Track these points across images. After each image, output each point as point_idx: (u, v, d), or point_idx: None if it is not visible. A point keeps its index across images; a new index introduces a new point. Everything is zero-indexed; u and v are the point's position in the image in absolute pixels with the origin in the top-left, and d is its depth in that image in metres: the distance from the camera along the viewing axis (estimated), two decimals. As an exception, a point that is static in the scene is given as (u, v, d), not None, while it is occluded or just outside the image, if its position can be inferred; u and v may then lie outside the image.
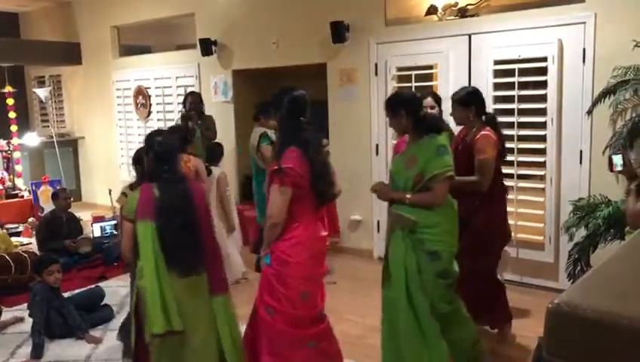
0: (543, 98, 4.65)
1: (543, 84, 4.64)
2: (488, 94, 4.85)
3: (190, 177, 3.82)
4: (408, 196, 3.00)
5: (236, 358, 2.95)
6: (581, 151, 4.56)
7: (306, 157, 2.83)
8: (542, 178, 4.77)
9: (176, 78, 7.56)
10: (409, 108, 3.07)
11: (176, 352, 2.83)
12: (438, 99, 4.20)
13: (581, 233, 4.10)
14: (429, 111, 4.08)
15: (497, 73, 4.88)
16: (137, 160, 3.39)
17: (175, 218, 2.79)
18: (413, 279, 2.98)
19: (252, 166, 5.66)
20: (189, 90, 6.83)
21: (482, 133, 3.49)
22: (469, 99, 3.61)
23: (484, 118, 3.67)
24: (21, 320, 4.41)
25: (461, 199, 3.26)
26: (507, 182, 4.56)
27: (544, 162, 4.70)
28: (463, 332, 3.21)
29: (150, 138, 2.95)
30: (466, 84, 5.03)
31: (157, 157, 2.87)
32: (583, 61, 4.47)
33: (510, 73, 4.78)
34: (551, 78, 4.60)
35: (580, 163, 4.58)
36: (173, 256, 2.77)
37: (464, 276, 3.43)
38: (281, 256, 2.85)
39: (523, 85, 4.75)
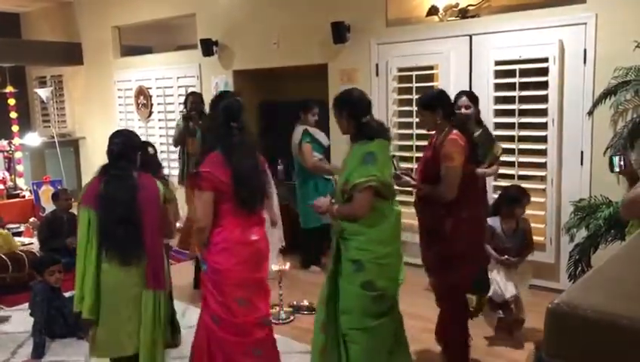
0: (543, 99, 4.65)
1: (544, 85, 4.64)
2: (489, 95, 4.86)
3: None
4: (335, 207, 2.95)
5: (149, 356, 2.97)
6: (582, 152, 4.56)
7: (228, 163, 2.86)
8: (542, 179, 4.77)
9: (178, 78, 7.56)
10: (350, 111, 2.98)
11: (115, 334, 2.97)
12: (474, 99, 4.15)
13: (582, 234, 4.10)
14: (464, 111, 4.02)
15: (498, 74, 4.87)
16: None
17: (115, 210, 2.89)
18: (336, 284, 2.95)
19: (295, 166, 5.63)
20: (190, 90, 6.83)
21: (449, 137, 3.22)
22: (434, 103, 3.35)
23: (455, 119, 3.45)
24: (5, 320, 4.43)
25: (427, 207, 3.24)
26: (505, 183, 4.59)
27: (545, 163, 4.70)
28: (401, 358, 3.09)
29: (110, 138, 3.09)
30: (467, 85, 5.05)
31: (111, 155, 3.03)
32: (584, 62, 4.47)
33: (511, 74, 4.77)
34: (552, 78, 4.59)
35: (581, 164, 4.57)
36: (111, 245, 2.89)
37: (435, 291, 3.46)
38: (212, 264, 2.91)
39: (524, 86, 4.75)
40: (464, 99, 4.11)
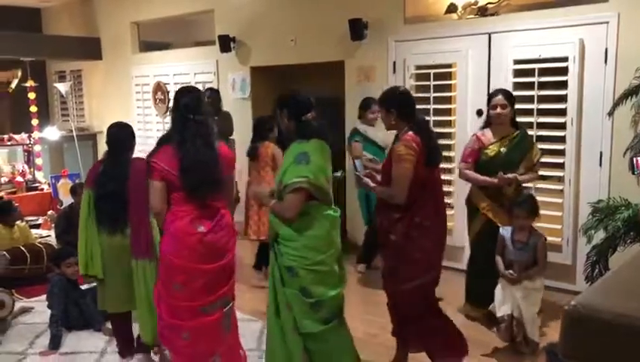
0: (563, 98, 4.60)
1: (563, 85, 4.59)
2: (507, 94, 4.82)
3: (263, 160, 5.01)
4: (272, 202, 2.92)
5: (149, 321, 3.29)
6: (601, 153, 4.50)
7: (178, 153, 2.93)
8: (560, 179, 4.72)
9: (195, 74, 7.60)
10: (289, 110, 2.96)
11: (116, 293, 3.50)
12: (510, 98, 3.96)
13: (600, 235, 4.05)
14: (499, 111, 3.89)
15: (517, 73, 4.83)
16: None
17: (106, 187, 3.42)
18: (280, 291, 2.87)
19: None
20: (208, 86, 6.86)
21: (402, 138, 3.11)
22: (387, 102, 3.23)
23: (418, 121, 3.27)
24: (28, 310, 4.49)
25: (383, 210, 3.19)
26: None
27: (563, 163, 4.65)
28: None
29: (107, 129, 3.65)
30: (485, 84, 5.01)
31: (108, 143, 3.59)
32: (605, 61, 4.41)
33: (530, 73, 4.73)
34: (571, 78, 4.54)
35: (600, 165, 4.52)
36: (101, 217, 3.44)
37: (389, 297, 3.34)
38: (161, 246, 3.06)
39: (543, 85, 4.70)
40: (499, 98, 3.92)
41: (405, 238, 3.09)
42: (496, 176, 3.85)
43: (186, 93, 3.08)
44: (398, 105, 3.17)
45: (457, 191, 5.22)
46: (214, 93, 6.02)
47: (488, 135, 4.00)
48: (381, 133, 4.93)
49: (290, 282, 2.82)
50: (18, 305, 4.55)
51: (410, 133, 3.09)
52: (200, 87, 7.27)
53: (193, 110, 3.00)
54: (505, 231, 3.81)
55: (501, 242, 3.79)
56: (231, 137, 5.85)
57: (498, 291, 3.71)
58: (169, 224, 2.97)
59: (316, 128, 2.94)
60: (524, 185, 4.15)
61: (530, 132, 4.65)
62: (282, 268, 2.83)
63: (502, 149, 3.94)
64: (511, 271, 3.68)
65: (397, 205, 3.08)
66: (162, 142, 3.07)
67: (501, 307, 3.64)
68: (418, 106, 5.37)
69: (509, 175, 3.83)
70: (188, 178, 2.89)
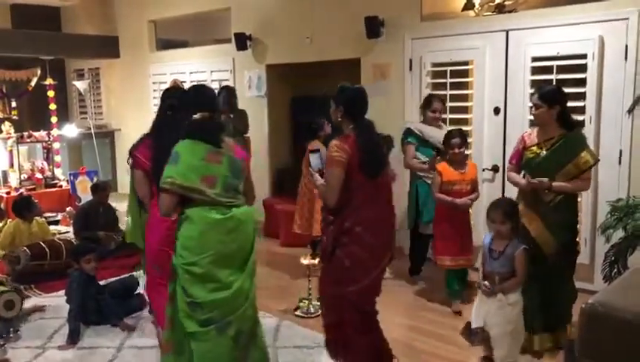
0: (581, 96, 4.55)
1: (582, 82, 4.54)
2: (525, 92, 4.78)
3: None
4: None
5: None
6: (620, 151, 4.45)
7: (152, 145, 3.21)
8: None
9: (212, 72, 7.63)
10: (183, 105, 3.02)
11: None
12: (547, 96, 3.55)
13: (618, 234, 4.00)
14: (534, 112, 3.61)
15: (535, 70, 4.78)
16: None
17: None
18: (170, 285, 2.87)
19: None
20: (224, 84, 6.89)
21: (338, 139, 3.00)
22: (337, 97, 3.10)
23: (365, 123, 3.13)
24: (42, 309, 4.51)
25: (324, 209, 3.16)
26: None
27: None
28: None
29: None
30: (503, 81, 4.97)
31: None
32: (625, 58, 4.36)
33: (548, 70, 4.68)
34: (590, 75, 4.49)
35: (619, 163, 4.46)
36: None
37: (324, 303, 3.20)
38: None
39: (561, 83, 4.64)
40: (534, 98, 3.61)
41: (335, 242, 3.01)
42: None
43: (170, 94, 3.41)
44: (345, 103, 3.06)
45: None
46: (227, 91, 6.04)
47: (533, 135, 3.70)
48: (440, 134, 4.66)
49: (176, 278, 2.81)
50: (30, 302, 4.60)
51: (342, 136, 3.01)
52: (216, 85, 7.34)
53: (173, 107, 3.25)
54: (486, 238, 3.55)
55: (484, 249, 3.55)
56: (246, 135, 5.86)
57: (476, 301, 3.53)
58: (151, 213, 3.26)
59: (196, 128, 2.84)
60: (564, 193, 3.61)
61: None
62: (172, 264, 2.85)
63: (542, 152, 3.60)
64: (485, 283, 3.41)
65: (329, 208, 3.03)
66: (145, 135, 3.41)
67: (476, 318, 3.44)
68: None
69: (538, 179, 3.51)
70: (158, 169, 2.90)
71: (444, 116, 5.13)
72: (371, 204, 2.99)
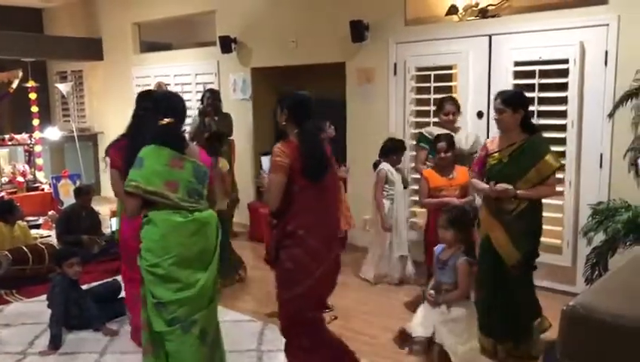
0: (563, 100, 4.60)
1: (564, 87, 4.59)
2: (508, 96, 4.82)
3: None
4: None
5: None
6: (601, 155, 4.51)
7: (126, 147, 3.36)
8: (561, 181, 4.72)
9: (196, 74, 7.61)
10: (153, 111, 3.07)
11: None
12: (509, 100, 3.42)
13: (600, 237, 4.05)
14: (496, 116, 3.46)
15: (517, 74, 4.83)
16: None
17: None
18: (141, 288, 2.98)
19: None
20: (208, 87, 6.88)
21: (280, 143, 3.02)
22: (282, 101, 3.12)
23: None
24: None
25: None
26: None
27: (563, 165, 4.65)
28: None
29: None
30: (486, 85, 5.02)
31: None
32: (605, 63, 4.42)
33: (531, 75, 4.73)
34: (572, 80, 4.55)
35: (600, 166, 4.52)
36: None
37: (278, 307, 3.16)
38: None
39: (543, 87, 4.70)
40: (496, 102, 3.47)
41: (278, 246, 3.02)
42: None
43: (145, 97, 3.61)
44: (290, 107, 3.05)
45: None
46: (211, 94, 6.04)
47: (496, 141, 3.58)
48: (460, 137, 4.54)
49: (144, 280, 2.91)
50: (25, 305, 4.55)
51: (289, 139, 3.01)
52: (200, 87, 7.32)
53: (147, 110, 3.39)
54: (438, 247, 3.50)
55: (434, 259, 3.52)
56: (230, 138, 5.85)
57: (420, 309, 3.46)
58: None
59: (161, 134, 2.91)
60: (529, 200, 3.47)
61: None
62: None
63: (504, 158, 3.47)
64: (431, 292, 3.34)
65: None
66: (121, 136, 3.63)
67: (417, 327, 3.37)
68: (419, 108, 5.47)
69: (501, 186, 3.37)
70: (127, 167, 3.00)
71: (427, 120, 5.15)
72: (314, 207, 2.99)
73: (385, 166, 4.96)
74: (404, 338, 3.55)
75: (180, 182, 2.87)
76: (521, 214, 3.42)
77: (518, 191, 3.37)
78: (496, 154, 3.52)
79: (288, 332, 3.09)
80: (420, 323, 3.35)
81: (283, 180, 2.92)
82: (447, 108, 4.72)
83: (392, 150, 4.99)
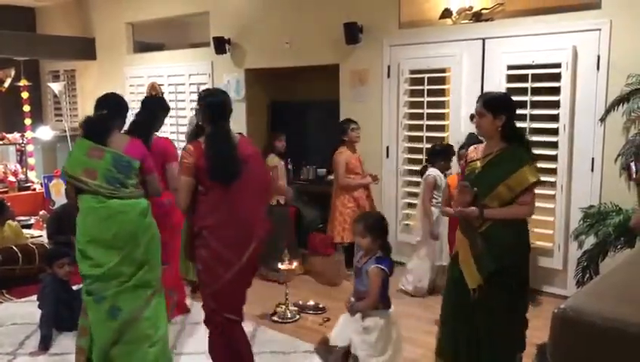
0: (555, 104, 4.63)
1: (556, 91, 4.62)
2: (501, 99, 4.84)
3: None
4: None
5: None
6: (593, 159, 4.53)
7: None
8: (552, 185, 4.75)
9: (190, 75, 7.59)
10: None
11: None
12: (490, 104, 3.03)
13: (590, 241, 4.08)
14: (475, 121, 3.13)
15: (510, 78, 4.86)
16: None
17: None
18: None
19: None
20: (202, 87, 6.86)
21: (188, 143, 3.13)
22: (199, 99, 3.18)
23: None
24: None
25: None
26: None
27: (555, 169, 4.68)
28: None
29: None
30: (479, 89, 5.03)
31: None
32: (597, 68, 4.45)
33: (523, 78, 4.76)
34: (564, 84, 4.57)
35: (592, 170, 4.55)
36: None
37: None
38: None
39: (536, 91, 4.73)
40: (477, 105, 3.08)
41: (191, 243, 3.11)
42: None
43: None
44: (205, 106, 3.08)
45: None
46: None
47: (479, 149, 3.16)
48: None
49: None
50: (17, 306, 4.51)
51: (201, 139, 3.03)
52: (194, 88, 7.31)
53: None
54: (357, 254, 3.37)
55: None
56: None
57: (340, 318, 3.28)
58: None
59: (84, 126, 3.35)
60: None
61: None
62: None
63: (477, 170, 3.07)
64: (352, 299, 3.17)
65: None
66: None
67: (336, 337, 3.17)
68: (412, 111, 5.49)
69: (459, 209, 3.03)
70: None
71: (420, 122, 5.15)
72: (219, 210, 2.97)
73: (433, 171, 4.73)
74: (326, 349, 3.31)
75: (98, 170, 3.14)
76: (487, 232, 2.96)
77: (485, 211, 2.93)
78: (473, 163, 3.12)
79: (207, 325, 3.16)
80: (339, 333, 3.16)
81: (188, 180, 2.98)
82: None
83: (440, 155, 4.77)
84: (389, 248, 3.15)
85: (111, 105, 3.41)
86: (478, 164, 3.06)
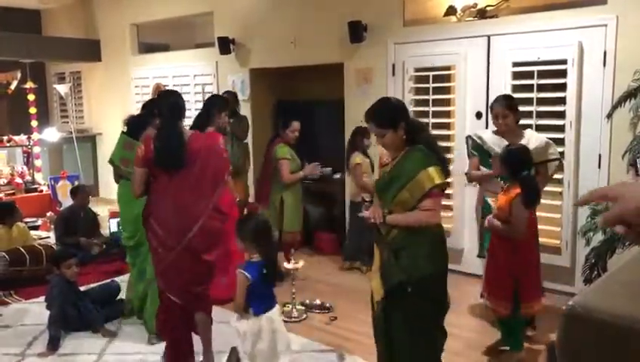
0: (561, 101, 4.61)
1: (562, 87, 4.60)
2: (506, 96, 4.83)
3: None
4: None
5: None
6: (600, 155, 4.51)
7: None
8: (559, 181, 4.72)
9: (194, 75, 7.60)
10: None
11: None
12: (388, 120, 2.86)
13: (598, 237, 4.05)
14: (380, 142, 2.91)
15: (516, 75, 4.84)
16: None
17: None
18: None
19: None
20: (207, 88, 6.87)
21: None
22: (157, 98, 3.73)
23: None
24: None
25: None
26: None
27: (562, 166, 4.65)
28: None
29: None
30: (484, 86, 5.02)
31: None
32: (604, 64, 4.42)
33: (529, 75, 4.74)
34: (570, 80, 4.55)
35: (599, 167, 4.52)
36: None
37: None
38: None
39: (542, 88, 4.71)
40: (373, 127, 2.91)
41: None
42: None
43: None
44: (159, 102, 3.44)
45: (456, 194, 5.23)
46: (231, 96, 5.97)
47: (387, 153, 3.04)
48: (495, 138, 3.99)
49: None
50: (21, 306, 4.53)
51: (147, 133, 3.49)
52: (199, 88, 7.32)
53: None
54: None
55: None
56: (245, 141, 5.80)
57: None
58: None
59: (125, 125, 4.07)
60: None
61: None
62: None
63: (386, 175, 2.94)
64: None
65: None
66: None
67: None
68: (417, 109, 5.48)
69: (368, 213, 2.90)
70: None
71: (425, 120, 5.14)
72: (164, 197, 3.21)
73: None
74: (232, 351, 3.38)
75: (130, 159, 3.59)
76: (395, 241, 2.81)
77: (388, 217, 2.80)
78: (383, 168, 3.00)
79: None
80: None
81: (140, 170, 3.25)
82: (496, 110, 3.97)
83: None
84: (268, 253, 2.99)
85: (147, 106, 4.06)
86: (388, 168, 2.93)
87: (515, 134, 3.96)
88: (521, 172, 3.36)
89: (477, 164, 4.09)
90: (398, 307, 2.81)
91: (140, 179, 3.24)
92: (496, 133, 4.04)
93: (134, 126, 4.03)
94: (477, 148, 4.09)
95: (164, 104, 3.31)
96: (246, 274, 2.85)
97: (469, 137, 4.20)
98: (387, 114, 2.87)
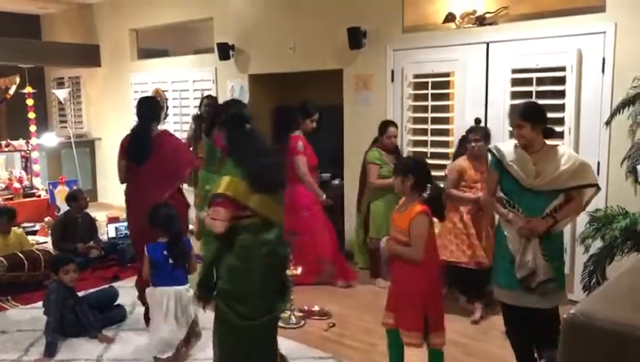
0: (560, 107, 4.61)
1: (561, 94, 4.61)
2: (505, 103, 4.84)
3: None
4: None
5: None
6: (598, 162, 4.51)
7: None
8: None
9: (194, 81, 7.61)
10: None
11: None
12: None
13: (597, 244, 4.05)
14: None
15: (515, 82, 4.85)
16: None
17: None
18: None
19: None
20: (206, 93, 6.88)
21: None
22: (138, 102, 4.41)
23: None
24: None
25: None
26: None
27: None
28: None
29: None
30: (483, 93, 5.02)
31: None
32: (603, 71, 4.43)
33: (528, 82, 4.75)
34: (569, 87, 4.56)
35: (598, 174, 4.52)
36: None
37: None
38: None
39: (540, 94, 4.72)
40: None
41: None
42: None
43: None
44: (136, 108, 4.24)
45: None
46: (212, 100, 6.03)
47: None
48: (506, 144, 3.41)
49: None
50: (20, 312, 4.51)
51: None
52: (198, 94, 7.32)
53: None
54: None
55: None
56: None
57: None
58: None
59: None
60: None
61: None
62: None
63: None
64: None
65: None
66: None
67: None
68: (416, 115, 5.49)
69: None
70: None
71: (424, 127, 5.14)
72: (133, 186, 4.16)
73: None
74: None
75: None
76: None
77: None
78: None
79: None
80: None
81: (120, 161, 4.16)
82: (510, 119, 3.68)
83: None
84: (172, 238, 3.67)
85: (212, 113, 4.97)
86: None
87: (538, 150, 3.21)
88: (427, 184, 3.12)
89: (496, 181, 3.32)
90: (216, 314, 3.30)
91: (121, 169, 4.16)
92: (516, 146, 3.25)
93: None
94: (497, 164, 3.29)
95: (140, 105, 4.23)
96: (146, 253, 3.66)
97: (488, 150, 3.46)
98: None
